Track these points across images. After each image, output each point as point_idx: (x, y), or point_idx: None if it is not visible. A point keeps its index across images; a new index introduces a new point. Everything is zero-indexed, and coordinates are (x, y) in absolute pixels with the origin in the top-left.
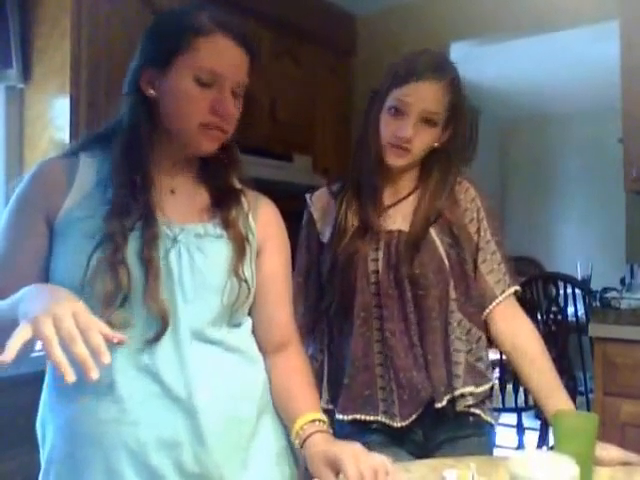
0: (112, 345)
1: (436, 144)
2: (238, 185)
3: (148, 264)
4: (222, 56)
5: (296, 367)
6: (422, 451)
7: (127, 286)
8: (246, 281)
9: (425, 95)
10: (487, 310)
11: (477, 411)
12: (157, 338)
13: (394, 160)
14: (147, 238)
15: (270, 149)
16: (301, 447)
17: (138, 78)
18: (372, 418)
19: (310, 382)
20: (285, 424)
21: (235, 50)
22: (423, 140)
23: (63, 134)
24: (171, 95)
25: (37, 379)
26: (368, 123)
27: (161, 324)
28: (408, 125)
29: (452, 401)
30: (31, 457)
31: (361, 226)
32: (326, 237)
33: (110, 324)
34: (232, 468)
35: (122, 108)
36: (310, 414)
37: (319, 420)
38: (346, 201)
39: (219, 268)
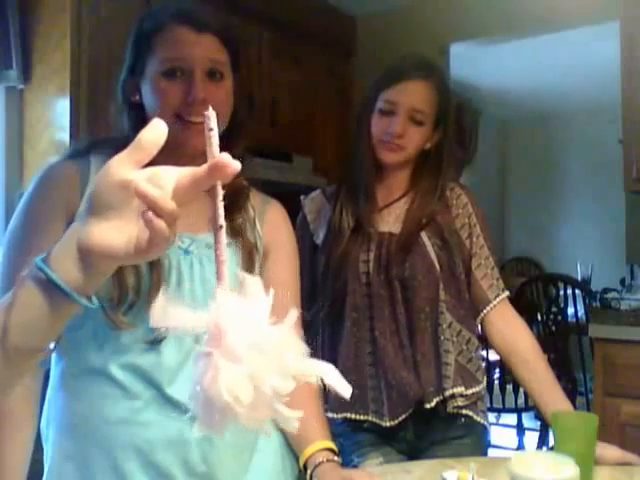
0: (119, 347)
1: (428, 145)
2: (245, 184)
3: (153, 265)
4: (179, 45)
5: (304, 384)
6: (413, 451)
7: (135, 288)
8: None
9: (413, 94)
10: (482, 314)
11: (469, 412)
12: (159, 340)
13: (387, 156)
14: None
15: (270, 150)
16: (311, 475)
17: (125, 88)
18: (362, 417)
19: (317, 402)
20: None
21: (194, 37)
22: (414, 138)
23: (63, 134)
24: (148, 96)
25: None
26: (360, 126)
27: None
28: (398, 122)
29: (443, 402)
30: (35, 456)
31: (355, 227)
32: (320, 239)
33: (117, 325)
34: (238, 467)
35: (120, 119)
36: (320, 442)
37: (329, 449)
38: (341, 202)
39: (229, 278)
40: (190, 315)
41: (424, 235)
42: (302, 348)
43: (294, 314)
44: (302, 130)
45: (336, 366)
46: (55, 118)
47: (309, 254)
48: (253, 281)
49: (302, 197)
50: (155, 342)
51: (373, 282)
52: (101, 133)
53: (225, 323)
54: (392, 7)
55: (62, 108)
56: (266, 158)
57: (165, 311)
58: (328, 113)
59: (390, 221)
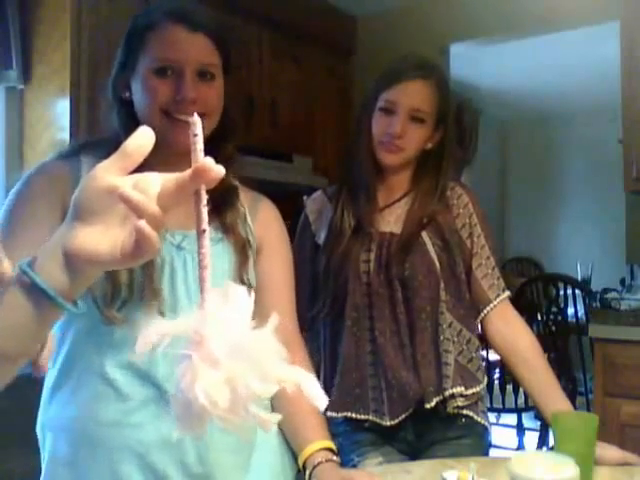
0: (113, 344)
1: (429, 145)
2: (235, 183)
3: (145, 262)
4: (172, 43)
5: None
6: (413, 450)
7: (127, 284)
8: (250, 285)
9: (413, 93)
10: (482, 314)
11: (469, 413)
12: None
13: (386, 157)
14: None
15: (270, 150)
16: (310, 475)
17: (116, 84)
18: (363, 417)
19: None
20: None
21: (186, 35)
22: (414, 138)
23: (63, 134)
24: (137, 93)
25: (37, 380)
26: (360, 127)
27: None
28: (398, 122)
29: (443, 402)
30: (30, 458)
31: (356, 227)
32: (321, 239)
33: (110, 321)
34: (234, 466)
35: (110, 116)
36: (319, 442)
37: (328, 449)
38: (342, 202)
39: (222, 272)
40: (172, 324)
41: (425, 235)
42: (282, 353)
43: (275, 319)
44: (302, 130)
45: (337, 365)
46: (55, 118)
47: (310, 254)
48: (235, 286)
49: (305, 197)
50: None
51: (373, 282)
52: (101, 133)
53: (206, 328)
54: (392, 7)
55: (62, 108)
56: (266, 158)
57: (147, 334)
58: (328, 113)
59: (391, 221)
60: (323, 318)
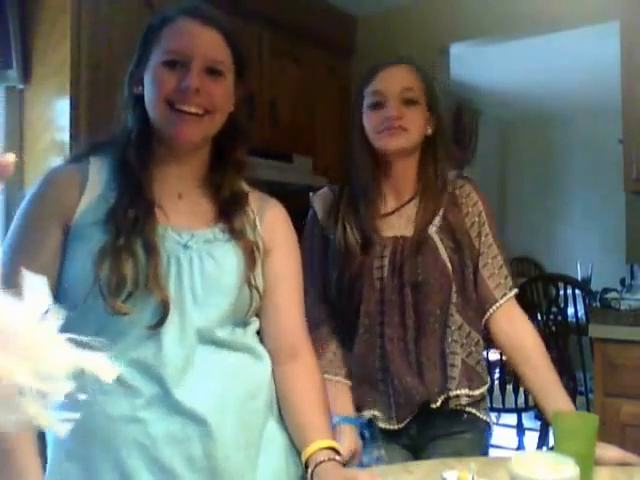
0: (119, 336)
1: (429, 130)
2: (245, 187)
3: (151, 252)
4: (183, 36)
5: (308, 383)
6: (416, 445)
7: (133, 277)
8: (257, 288)
9: (397, 76)
10: (488, 313)
11: (472, 409)
12: (160, 324)
13: (390, 143)
14: (148, 229)
15: (270, 150)
16: (311, 473)
17: (131, 80)
18: (371, 416)
19: (321, 401)
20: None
21: (198, 28)
22: (413, 118)
23: (63, 135)
24: (147, 86)
25: None
26: (354, 128)
27: (163, 311)
28: (391, 107)
29: (446, 400)
30: None
31: (364, 242)
32: (330, 233)
33: (116, 310)
34: (242, 462)
35: (124, 112)
36: (322, 441)
37: (330, 448)
38: (342, 217)
39: (229, 273)
40: None
41: (436, 237)
42: (67, 347)
43: (54, 313)
44: (302, 130)
45: (350, 371)
46: (55, 118)
47: (320, 249)
48: (33, 278)
49: (311, 194)
50: (154, 327)
51: (386, 287)
52: (101, 133)
53: None
54: (392, 7)
55: (62, 108)
56: (267, 158)
57: None
58: (328, 113)
59: (402, 224)
60: (337, 330)
